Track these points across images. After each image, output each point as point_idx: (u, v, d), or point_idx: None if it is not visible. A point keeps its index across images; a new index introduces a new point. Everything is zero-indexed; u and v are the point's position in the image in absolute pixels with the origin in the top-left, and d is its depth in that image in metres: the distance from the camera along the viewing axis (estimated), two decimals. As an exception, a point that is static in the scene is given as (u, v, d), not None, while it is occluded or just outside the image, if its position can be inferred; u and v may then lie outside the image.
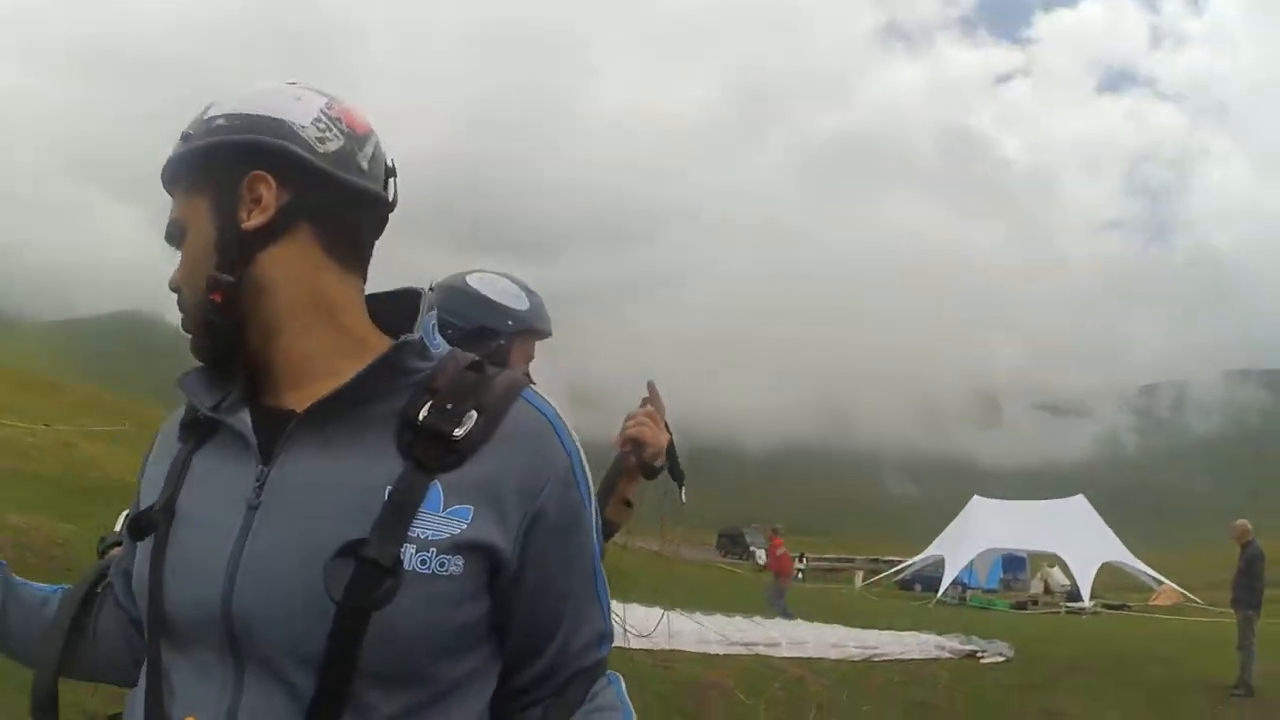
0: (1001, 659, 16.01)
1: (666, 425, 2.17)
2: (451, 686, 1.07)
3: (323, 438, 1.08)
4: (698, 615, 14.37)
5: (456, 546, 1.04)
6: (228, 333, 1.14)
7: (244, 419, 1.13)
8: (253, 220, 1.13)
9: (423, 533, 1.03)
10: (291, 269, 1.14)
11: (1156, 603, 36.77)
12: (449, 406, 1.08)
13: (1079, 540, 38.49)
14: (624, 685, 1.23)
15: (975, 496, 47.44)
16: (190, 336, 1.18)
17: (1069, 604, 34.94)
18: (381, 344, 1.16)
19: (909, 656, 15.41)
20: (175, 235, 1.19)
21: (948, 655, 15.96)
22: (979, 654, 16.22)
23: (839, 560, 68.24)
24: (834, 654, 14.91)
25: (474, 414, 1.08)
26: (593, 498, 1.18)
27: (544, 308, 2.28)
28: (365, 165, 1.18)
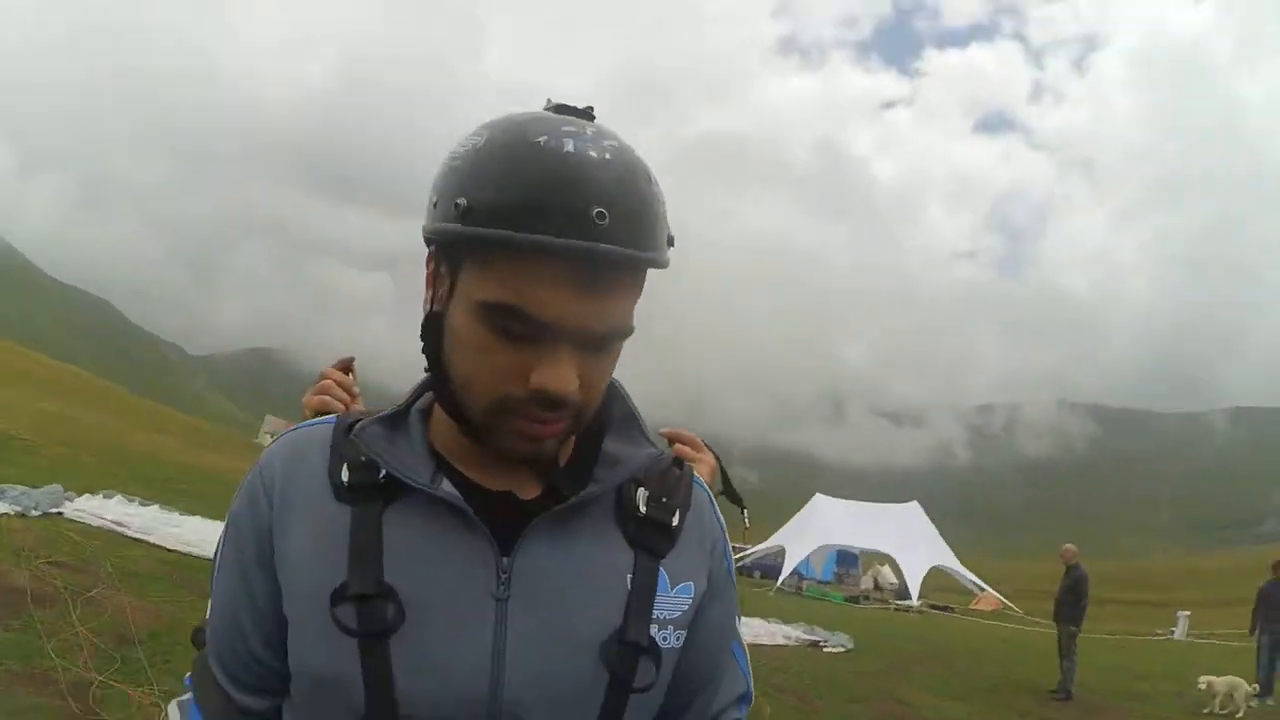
0: (842, 649, 16.76)
1: (709, 447, 2.05)
2: None
3: (549, 528, 1.08)
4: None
5: (685, 622, 1.13)
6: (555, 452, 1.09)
7: (460, 500, 1.05)
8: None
9: (660, 613, 1.10)
10: None
11: (977, 607, 38.90)
12: (664, 500, 1.15)
13: (912, 543, 40.34)
14: None
15: (818, 494, 48.98)
16: (550, 446, 1.05)
17: (898, 601, 36.61)
18: None
19: (759, 642, 15.96)
20: (614, 336, 1.02)
21: (793, 643, 16.63)
22: (822, 643, 16.97)
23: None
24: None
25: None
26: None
27: None
28: None
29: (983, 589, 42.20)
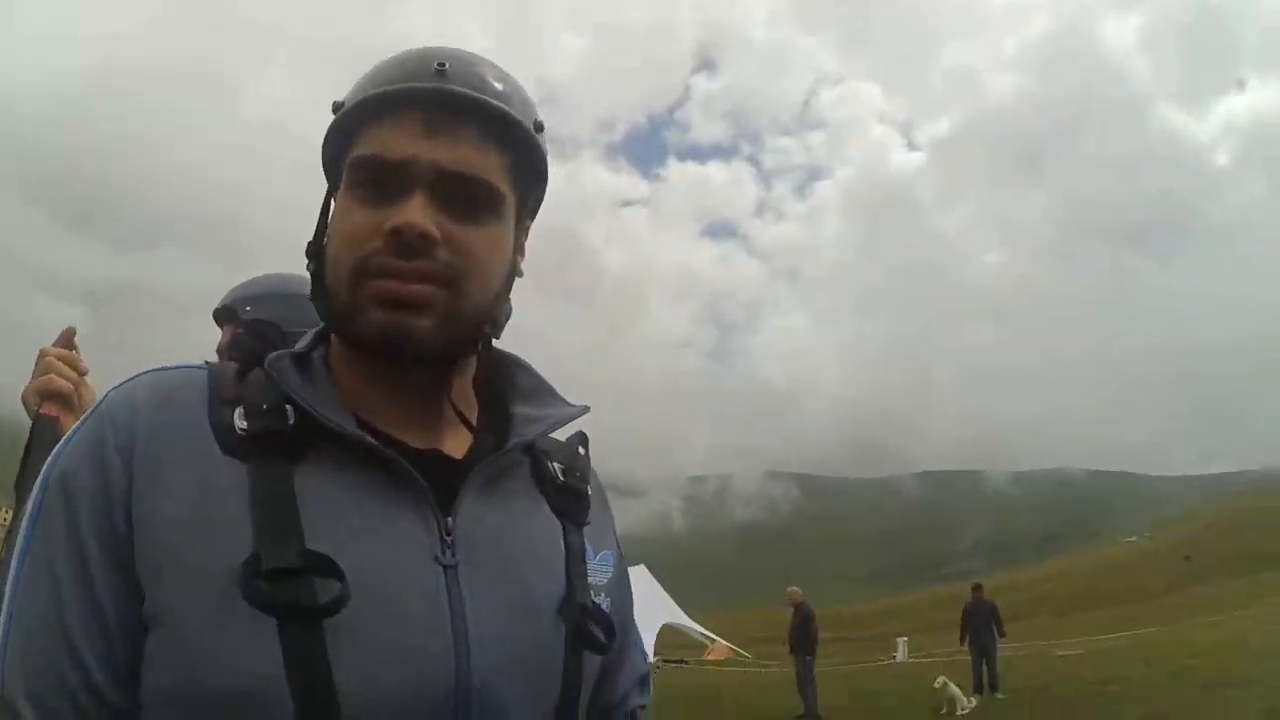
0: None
1: None
2: None
3: (481, 489, 0.98)
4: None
5: (609, 588, 1.08)
6: (451, 360, 1.00)
7: (391, 451, 0.91)
8: (519, 268, 1.06)
9: (592, 578, 1.05)
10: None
11: (710, 657, 39.87)
12: (577, 475, 1.11)
13: (641, 605, 39.46)
14: None
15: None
16: (421, 324, 0.91)
17: (634, 661, 36.81)
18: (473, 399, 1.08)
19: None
20: (487, 199, 0.96)
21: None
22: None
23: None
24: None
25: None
26: None
27: None
28: None
29: (713, 640, 43.41)
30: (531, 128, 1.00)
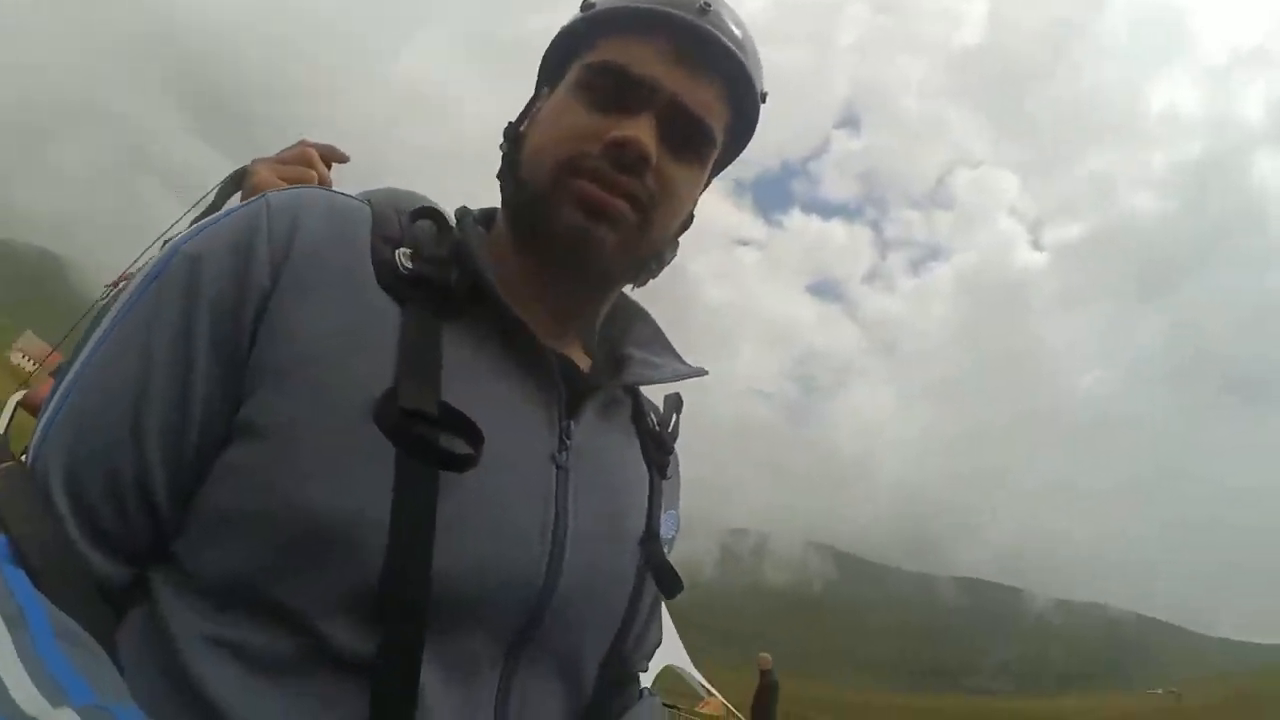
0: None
1: None
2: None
3: (602, 407, 1.00)
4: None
5: (670, 548, 1.07)
6: (614, 282, 1.04)
7: (543, 343, 0.91)
8: (691, 219, 1.08)
9: (662, 531, 1.03)
10: None
11: (702, 710, 39.41)
12: (669, 429, 1.12)
13: None
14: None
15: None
16: (610, 237, 0.92)
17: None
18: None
19: None
20: (704, 145, 0.99)
21: None
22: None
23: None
24: None
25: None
26: None
27: None
28: None
29: (711, 693, 42.91)
30: (759, 97, 1.03)
